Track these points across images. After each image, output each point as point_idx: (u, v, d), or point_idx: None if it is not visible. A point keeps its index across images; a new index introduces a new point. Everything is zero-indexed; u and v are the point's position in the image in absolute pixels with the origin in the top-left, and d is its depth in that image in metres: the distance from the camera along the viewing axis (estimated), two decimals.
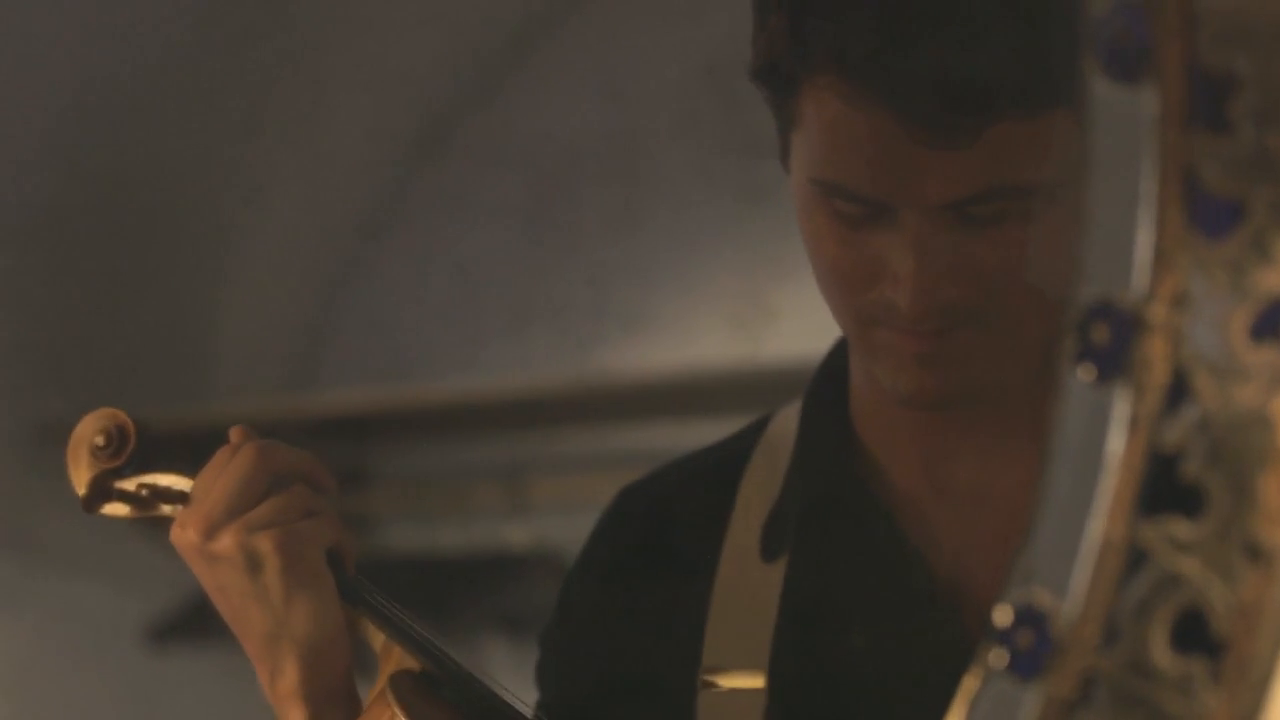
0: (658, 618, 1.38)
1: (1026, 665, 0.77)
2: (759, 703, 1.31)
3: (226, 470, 1.39)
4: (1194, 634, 0.76)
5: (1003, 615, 0.78)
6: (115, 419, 1.48)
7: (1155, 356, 0.78)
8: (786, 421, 1.40)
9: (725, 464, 1.39)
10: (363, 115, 4.18)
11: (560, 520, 3.90)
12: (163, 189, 4.07)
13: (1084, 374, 0.79)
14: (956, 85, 1.21)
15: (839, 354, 1.38)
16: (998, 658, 0.78)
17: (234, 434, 1.43)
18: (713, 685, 1.33)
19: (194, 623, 4.03)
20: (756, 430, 1.40)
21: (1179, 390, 0.78)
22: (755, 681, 1.31)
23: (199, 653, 4.09)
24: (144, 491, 1.43)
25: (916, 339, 1.27)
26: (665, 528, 1.40)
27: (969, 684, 0.79)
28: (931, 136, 1.21)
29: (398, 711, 1.33)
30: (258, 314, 4.29)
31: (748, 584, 1.34)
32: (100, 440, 1.47)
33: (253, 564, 1.35)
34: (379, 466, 4.27)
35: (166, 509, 1.42)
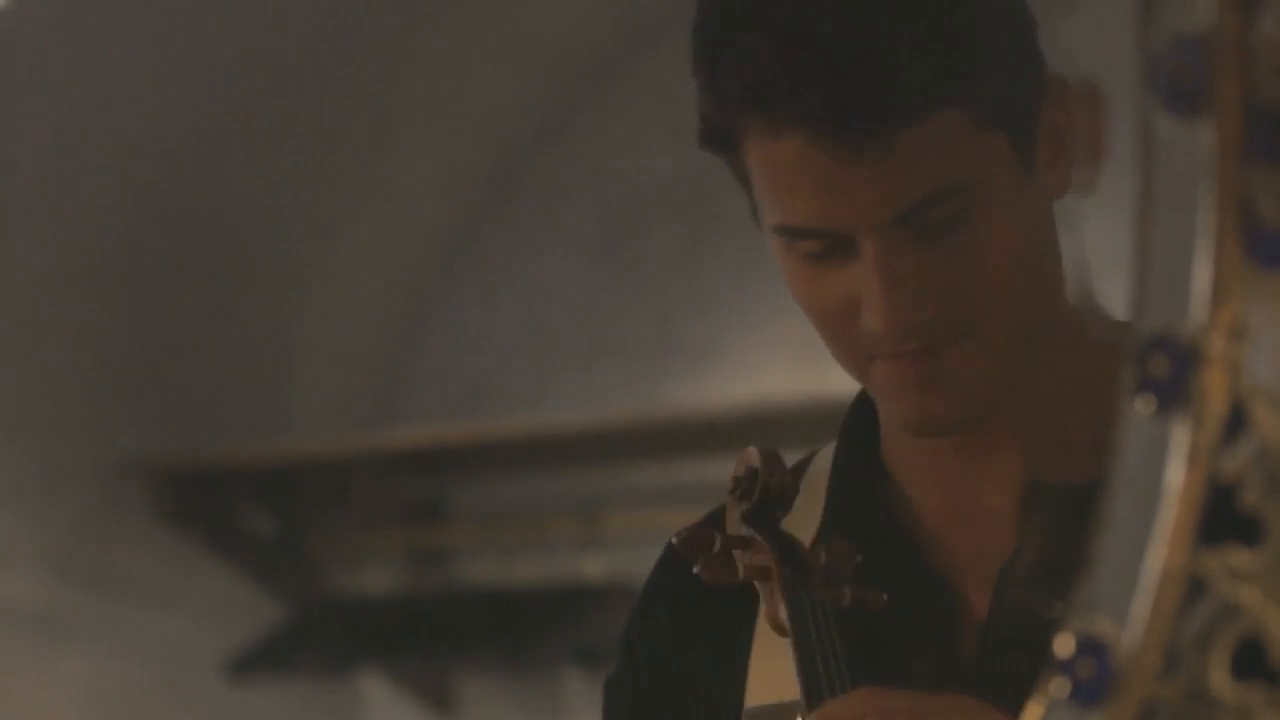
0: (710, 655, 1.42)
1: (1088, 694, 0.78)
2: None
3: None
4: (1253, 663, 0.77)
5: (1064, 645, 0.79)
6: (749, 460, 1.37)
7: (1214, 387, 0.79)
8: (825, 459, 1.44)
9: None
10: (434, 154, 4.21)
11: (634, 552, 3.91)
12: (238, 228, 4.11)
13: (1143, 406, 0.80)
14: (854, 95, 1.26)
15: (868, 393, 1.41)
16: (1059, 687, 0.79)
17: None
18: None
19: (272, 655, 4.06)
20: (801, 468, 1.44)
21: (1237, 421, 0.79)
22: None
23: (276, 685, 4.11)
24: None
25: (909, 365, 1.31)
26: None
27: (1032, 712, 0.80)
28: (847, 151, 1.27)
29: None
30: (333, 350, 4.32)
31: None
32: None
33: None
34: (455, 500, 4.30)
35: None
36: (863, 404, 1.42)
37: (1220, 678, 0.77)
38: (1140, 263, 0.82)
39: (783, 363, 3.85)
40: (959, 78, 1.28)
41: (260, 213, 4.11)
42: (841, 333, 1.33)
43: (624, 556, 3.95)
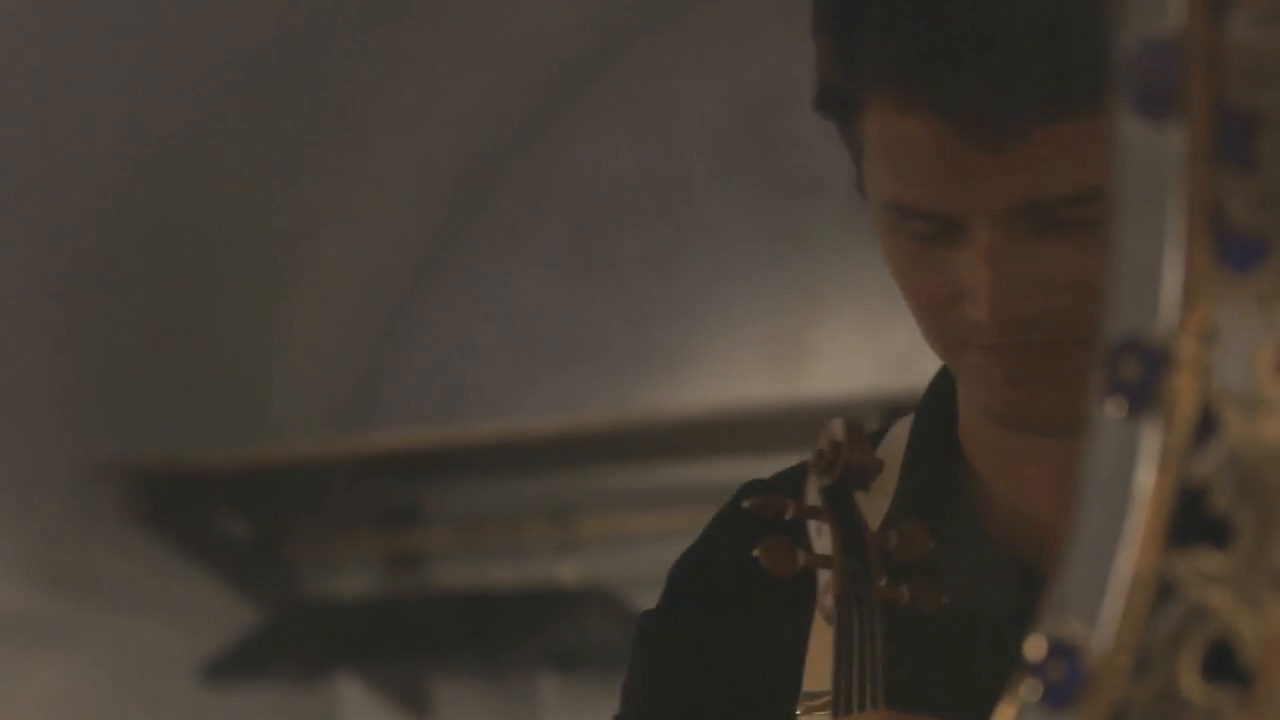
0: (764, 632, 1.37)
1: (1059, 696, 0.78)
2: None
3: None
4: (1223, 664, 0.77)
5: (1036, 647, 0.79)
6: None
7: (1184, 391, 0.79)
8: (900, 434, 1.39)
9: None
10: (409, 160, 4.21)
11: (608, 556, 3.91)
12: (214, 234, 4.11)
13: (1114, 409, 0.80)
14: (1000, 82, 1.20)
15: (949, 370, 1.37)
16: (1031, 690, 0.79)
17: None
18: (811, 711, 1.32)
19: (247, 660, 4.06)
20: (875, 442, 1.39)
21: (1207, 424, 0.79)
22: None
23: (252, 689, 4.11)
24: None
25: (1004, 358, 1.26)
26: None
27: (1004, 715, 0.80)
28: (982, 136, 1.20)
29: None
30: (308, 355, 4.32)
31: None
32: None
33: None
34: (430, 505, 4.30)
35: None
36: (942, 381, 1.37)
37: (1190, 679, 0.77)
38: (1110, 266, 0.82)
39: (756, 367, 3.85)
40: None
41: (236, 218, 4.11)
42: (938, 316, 1.27)
43: (598, 560, 3.95)
